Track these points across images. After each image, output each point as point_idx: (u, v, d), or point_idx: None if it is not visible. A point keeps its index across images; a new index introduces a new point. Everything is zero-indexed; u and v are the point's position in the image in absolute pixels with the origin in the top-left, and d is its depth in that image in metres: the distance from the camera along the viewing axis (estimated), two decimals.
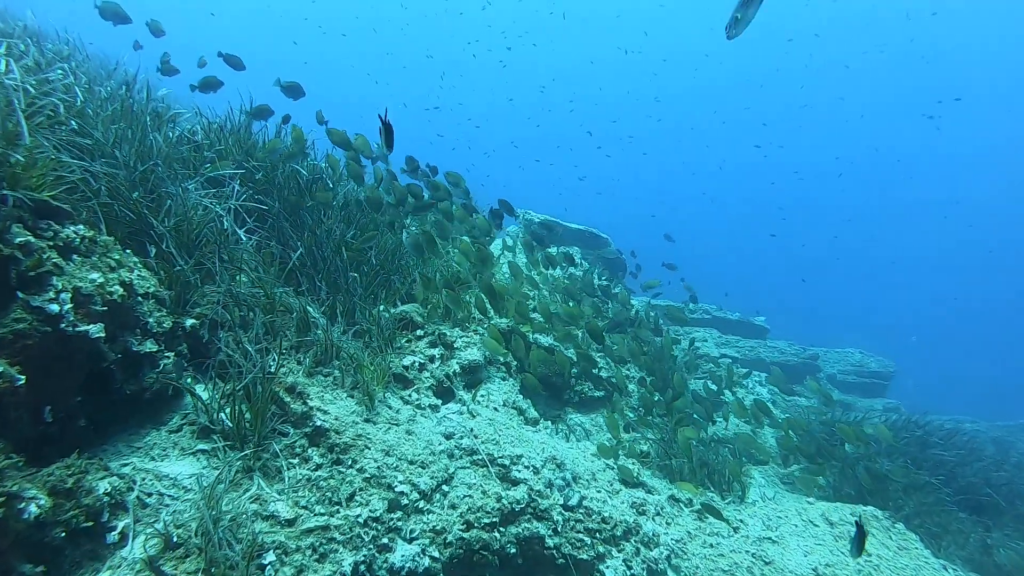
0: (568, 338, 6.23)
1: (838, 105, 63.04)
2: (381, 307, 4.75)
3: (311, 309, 4.04)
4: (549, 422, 5.73)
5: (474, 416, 4.46)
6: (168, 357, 3.49)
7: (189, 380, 3.60)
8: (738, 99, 68.10)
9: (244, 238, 4.21)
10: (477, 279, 5.60)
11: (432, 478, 3.68)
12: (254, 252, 4.22)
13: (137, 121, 4.06)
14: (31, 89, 3.59)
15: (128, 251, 3.50)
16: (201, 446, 3.40)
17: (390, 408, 4.05)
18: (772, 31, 54.78)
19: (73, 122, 3.62)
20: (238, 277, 3.96)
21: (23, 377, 2.64)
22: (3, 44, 3.74)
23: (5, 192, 2.69)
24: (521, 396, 5.25)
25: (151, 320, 3.41)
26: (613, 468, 5.15)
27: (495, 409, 4.73)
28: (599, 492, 4.58)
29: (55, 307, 2.78)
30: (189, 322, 3.66)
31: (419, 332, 4.82)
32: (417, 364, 4.60)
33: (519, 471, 4.09)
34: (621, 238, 13.45)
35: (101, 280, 3.04)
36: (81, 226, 3.10)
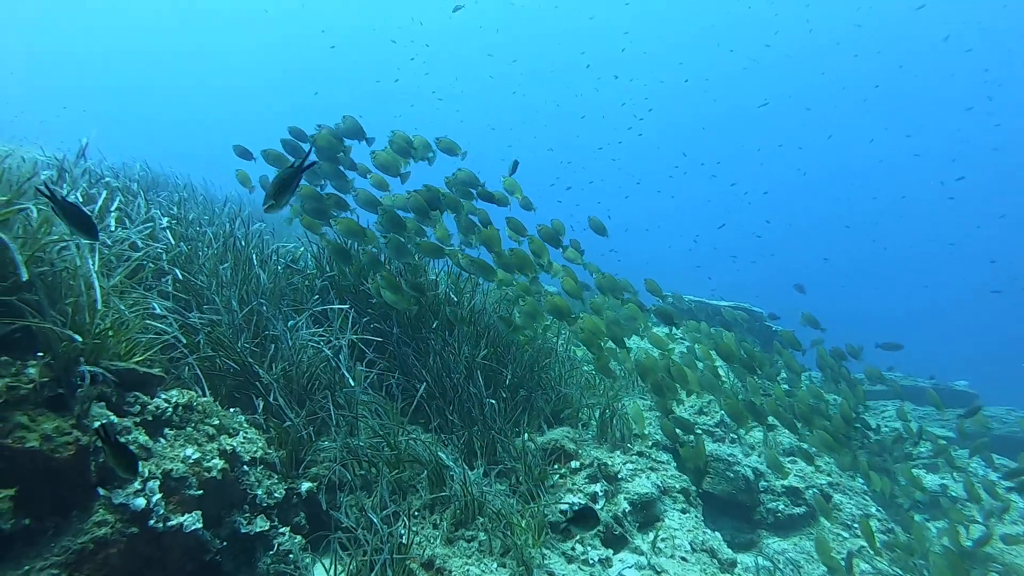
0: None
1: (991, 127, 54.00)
2: (525, 436, 3.92)
3: (443, 455, 3.30)
4: (747, 557, 4.46)
5: (659, 572, 3.40)
6: (283, 534, 2.86)
7: (308, 560, 2.93)
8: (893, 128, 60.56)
9: (359, 375, 3.64)
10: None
11: None
12: (373, 391, 3.63)
13: (240, 257, 3.74)
14: (138, 241, 3.35)
15: (234, 409, 3.01)
16: None
17: (551, 575, 3.11)
18: (885, 60, 50.63)
19: (177, 271, 3.32)
20: (357, 424, 3.34)
21: None
22: (115, 199, 3.60)
23: (84, 368, 2.24)
24: (709, 529, 4.08)
25: (260, 492, 2.82)
26: None
27: (683, 558, 3.61)
28: None
29: (141, 501, 2.23)
30: (305, 486, 3.04)
31: (574, 464, 3.90)
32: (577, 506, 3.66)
33: None
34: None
35: (197, 456, 2.50)
36: (175, 392, 2.62)
